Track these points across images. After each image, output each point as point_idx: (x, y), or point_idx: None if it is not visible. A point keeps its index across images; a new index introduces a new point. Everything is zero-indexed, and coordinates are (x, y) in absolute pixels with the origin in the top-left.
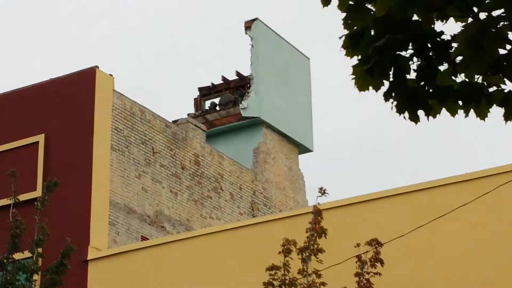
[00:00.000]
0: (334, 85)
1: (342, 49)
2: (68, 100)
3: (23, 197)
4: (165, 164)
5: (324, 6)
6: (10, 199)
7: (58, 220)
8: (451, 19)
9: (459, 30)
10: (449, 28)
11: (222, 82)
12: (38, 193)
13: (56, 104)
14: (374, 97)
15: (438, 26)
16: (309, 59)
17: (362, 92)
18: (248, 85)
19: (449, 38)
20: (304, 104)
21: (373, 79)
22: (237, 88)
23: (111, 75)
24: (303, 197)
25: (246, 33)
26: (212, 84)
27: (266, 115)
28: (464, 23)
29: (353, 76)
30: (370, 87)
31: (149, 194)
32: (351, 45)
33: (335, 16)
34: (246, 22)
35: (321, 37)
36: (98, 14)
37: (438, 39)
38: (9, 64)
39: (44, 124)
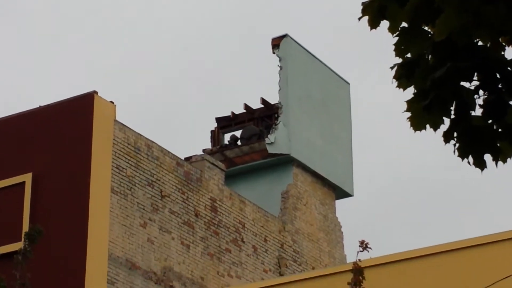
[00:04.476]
0: (378, 115)
1: (394, 80)
2: (60, 132)
3: (5, 249)
4: (176, 211)
5: (372, 28)
6: None
7: (46, 277)
8: None
9: None
10: None
11: (245, 111)
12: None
13: (46, 137)
14: (430, 131)
15: (509, 52)
16: (349, 84)
17: (418, 131)
18: (276, 115)
19: None
20: (343, 139)
21: (430, 116)
22: (262, 118)
23: (112, 102)
24: (340, 251)
25: (274, 53)
26: (233, 113)
27: (297, 151)
28: None
29: (408, 114)
30: (428, 125)
31: (156, 247)
32: (404, 75)
33: (382, 36)
34: (273, 40)
35: (362, 59)
36: (105, 37)
37: (509, 68)
38: None
39: (31, 161)
